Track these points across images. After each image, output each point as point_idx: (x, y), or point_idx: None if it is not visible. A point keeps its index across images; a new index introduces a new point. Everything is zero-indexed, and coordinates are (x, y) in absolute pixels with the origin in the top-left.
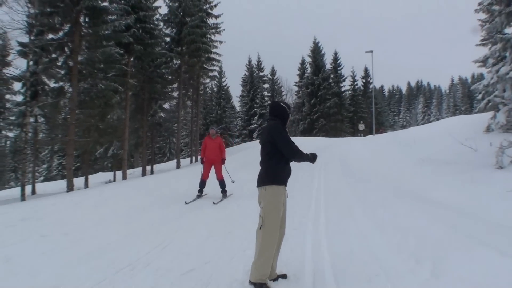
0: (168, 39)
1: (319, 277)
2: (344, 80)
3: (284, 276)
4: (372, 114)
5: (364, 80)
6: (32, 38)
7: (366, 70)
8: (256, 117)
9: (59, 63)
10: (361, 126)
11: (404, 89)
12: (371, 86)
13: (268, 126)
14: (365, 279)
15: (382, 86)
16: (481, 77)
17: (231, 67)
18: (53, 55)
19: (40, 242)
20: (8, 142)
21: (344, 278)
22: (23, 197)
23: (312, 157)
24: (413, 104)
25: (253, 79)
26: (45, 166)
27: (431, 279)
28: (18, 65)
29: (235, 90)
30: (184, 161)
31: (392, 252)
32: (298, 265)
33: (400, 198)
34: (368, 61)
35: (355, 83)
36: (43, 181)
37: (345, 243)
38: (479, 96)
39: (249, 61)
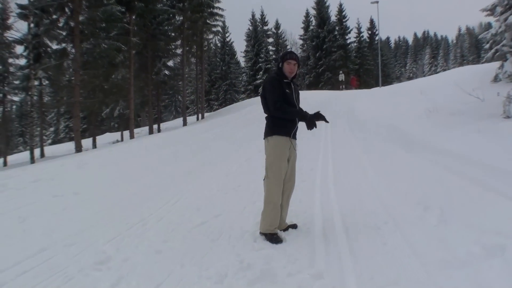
0: None
1: (328, 226)
2: (349, 32)
3: (294, 226)
4: (378, 66)
5: (369, 32)
6: (32, 0)
7: (371, 22)
8: (261, 72)
9: (60, 24)
10: (341, 77)
11: (410, 40)
12: (377, 38)
13: (264, 80)
14: (374, 227)
15: (388, 38)
16: (488, 26)
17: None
18: (54, 16)
19: (52, 202)
20: (14, 107)
21: (353, 226)
22: (32, 160)
23: (304, 117)
24: (420, 55)
25: (257, 33)
26: (52, 129)
27: (439, 225)
28: (19, 28)
29: (239, 45)
30: (190, 118)
31: (400, 201)
32: (308, 216)
33: (408, 148)
34: (373, 12)
35: (361, 35)
36: (51, 144)
37: (353, 193)
38: (487, 46)
39: (253, 15)
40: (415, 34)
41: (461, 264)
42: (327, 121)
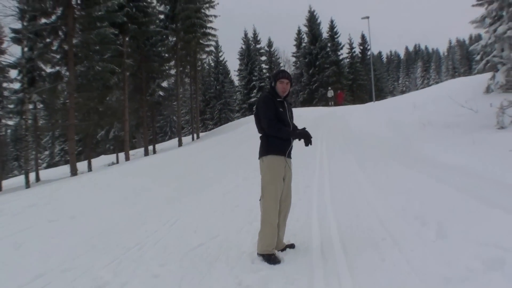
0: (162, 16)
1: (327, 244)
2: (341, 48)
3: (292, 246)
4: (371, 81)
5: (361, 47)
6: (25, 24)
7: (363, 37)
8: (255, 90)
9: (54, 48)
10: (330, 93)
11: (402, 54)
12: (369, 53)
13: (258, 99)
14: (372, 244)
15: (380, 52)
16: (479, 37)
17: (227, 41)
18: (48, 40)
19: (48, 227)
20: (9, 131)
21: (351, 244)
22: (27, 185)
23: (299, 135)
24: (412, 69)
25: (250, 52)
26: (47, 152)
27: (437, 240)
28: (13, 52)
29: (233, 64)
30: (186, 139)
31: (397, 216)
32: (305, 234)
33: (403, 162)
34: (364, 28)
35: (353, 50)
36: (46, 167)
37: (350, 209)
38: (478, 57)
39: (245, 34)
40: (406, 48)
41: (461, 280)
42: (309, 142)
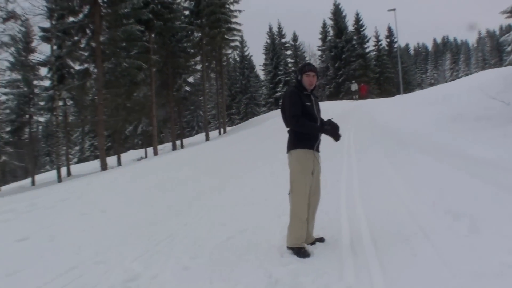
0: (187, 12)
1: (356, 238)
2: (367, 41)
3: (321, 240)
4: (399, 74)
5: (388, 40)
6: (54, 22)
7: (389, 29)
8: (281, 85)
9: (82, 45)
10: (353, 86)
11: (430, 46)
12: (395, 45)
13: (283, 93)
14: (403, 239)
15: (407, 45)
16: (509, 28)
17: (252, 36)
18: (76, 38)
19: (80, 220)
20: (40, 127)
21: (382, 238)
22: (59, 179)
23: (324, 131)
24: (440, 61)
25: (275, 46)
26: (77, 148)
27: (470, 235)
28: (43, 50)
29: (258, 58)
30: (213, 133)
31: (428, 210)
32: (334, 228)
33: (433, 156)
34: (391, 20)
35: (379, 43)
36: (77, 162)
37: (380, 203)
38: (509, 48)
39: (270, 29)
40: (434, 40)
41: (494, 275)
42: (337, 137)
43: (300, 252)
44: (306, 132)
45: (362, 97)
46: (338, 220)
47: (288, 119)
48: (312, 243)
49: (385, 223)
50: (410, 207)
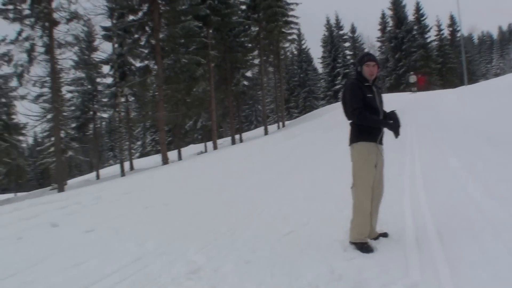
0: (244, 7)
1: (421, 233)
2: (429, 31)
3: (385, 235)
4: (462, 64)
5: (450, 29)
6: (114, 21)
7: (452, 18)
8: (339, 77)
9: (142, 43)
10: (412, 78)
11: (495, 35)
12: (458, 34)
13: (344, 85)
14: (471, 235)
15: (470, 33)
16: None
17: (309, 28)
18: (136, 36)
19: (143, 213)
20: (104, 123)
21: (448, 234)
22: (122, 173)
23: (386, 125)
24: (506, 50)
25: (333, 38)
26: (139, 142)
27: None
28: (105, 49)
29: (316, 51)
30: (271, 127)
31: (497, 205)
32: (398, 223)
33: (502, 148)
34: (453, 8)
35: (441, 32)
36: (139, 157)
37: (445, 197)
38: None
39: (328, 21)
40: (499, 28)
41: None
42: (398, 134)
43: (364, 247)
44: (366, 124)
45: (420, 88)
46: (401, 214)
47: (349, 112)
48: (376, 238)
49: (452, 219)
50: (478, 202)
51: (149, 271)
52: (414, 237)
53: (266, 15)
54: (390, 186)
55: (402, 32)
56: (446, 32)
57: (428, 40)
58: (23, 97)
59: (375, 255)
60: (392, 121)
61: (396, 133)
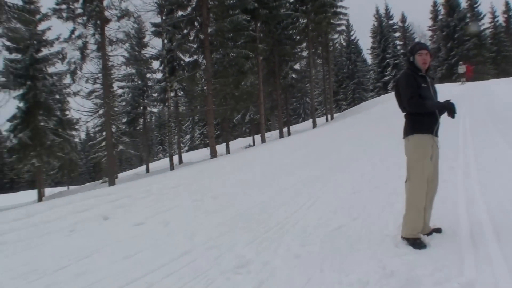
0: None
1: (476, 230)
2: (482, 18)
3: (438, 230)
4: None
5: (505, 15)
6: (164, 17)
7: (507, 4)
8: (389, 68)
9: (191, 38)
10: (461, 69)
11: None
12: None
13: (398, 77)
14: None
15: None
16: None
17: (358, 19)
18: (185, 31)
19: (192, 206)
20: (153, 117)
21: (505, 230)
22: (172, 167)
23: (444, 107)
24: None
25: (383, 29)
26: (188, 136)
27: None
28: (155, 44)
29: (365, 42)
30: (320, 120)
31: None
32: (452, 218)
33: None
34: None
35: (496, 19)
36: (188, 150)
37: (501, 192)
38: None
39: (377, 11)
40: None
41: None
42: (454, 113)
43: (416, 243)
44: (423, 111)
45: (468, 79)
46: (455, 209)
47: (404, 103)
48: (429, 234)
49: (509, 215)
50: None
51: (198, 265)
52: (468, 233)
53: (315, 6)
54: (443, 180)
55: (454, 20)
56: (501, 19)
57: (482, 28)
58: (76, 94)
59: (428, 251)
60: (446, 104)
61: (453, 114)
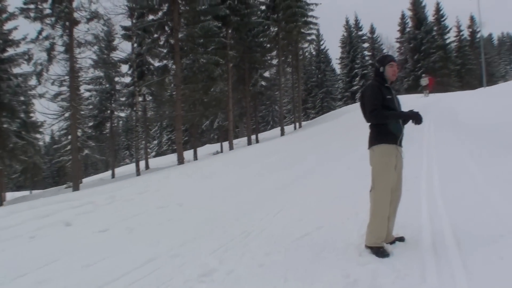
0: (263, 7)
1: (438, 238)
2: (448, 32)
3: (401, 239)
4: (481, 66)
5: (470, 30)
6: (134, 21)
7: (472, 19)
8: (357, 78)
9: (161, 42)
10: (424, 81)
11: None
12: (478, 36)
13: (364, 87)
14: (489, 240)
15: (490, 35)
16: None
17: (328, 29)
18: (155, 35)
19: (157, 213)
20: (121, 122)
21: (466, 239)
22: (138, 172)
23: (407, 116)
24: None
25: (352, 39)
26: (155, 142)
27: None
28: (124, 48)
29: (334, 52)
30: (288, 128)
31: None
32: (415, 227)
33: None
34: (473, 9)
35: (461, 33)
36: (155, 156)
37: (462, 202)
38: None
39: (347, 21)
40: None
41: None
42: (420, 120)
43: (379, 251)
44: (388, 121)
45: (430, 91)
46: (418, 218)
47: (368, 113)
48: (392, 243)
49: (469, 224)
50: (496, 208)
51: (161, 273)
52: (431, 241)
53: (286, 15)
54: (407, 189)
55: (422, 33)
56: (466, 33)
57: (448, 41)
58: (41, 96)
59: (391, 260)
60: (411, 112)
61: (418, 120)
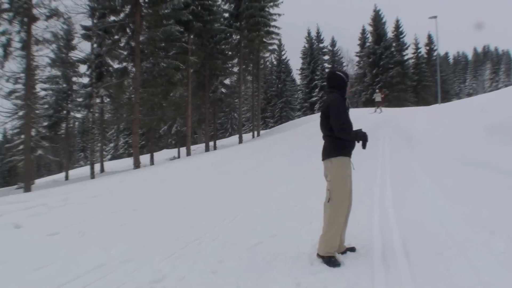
0: (226, 14)
1: (388, 249)
2: (407, 48)
3: (352, 249)
4: (437, 83)
5: (427, 48)
6: (95, 21)
7: (429, 37)
8: (317, 90)
9: (122, 44)
10: (378, 97)
11: (470, 55)
12: (435, 54)
13: (328, 99)
14: (437, 252)
15: (446, 53)
16: None
17: (290, 40)
18: (116, 37)
19: (110, 218)
20: (77, 123)
21: (414, 251)
22: (92, 175)
23: (359, 137)
24: (480, 71)
25: (313, 51)
26: (112, 145)
27: (508, 252)
28: (83, 48)
29: (295, 63)
30: (246, 136)
31: (463, 224)
32: (366, 238)
33: (471, 168)
34: (431, 28)
35: (418, 51)
36: (111, 159)
37: (413, 214)
38: None
39: (309, 33)
40: (474, 49)
41: None
42: (366, 144)
43: (331, 261)
44: (348, 139)
45: (381, 105)
46: (370, 230)
47: (336, 127)
48: (343, 252)
49: (418, 236)
50: (444, 220)
51: (113, 278)
52: (381, 252)
53: (249, 24)
54: (360, 200)
55: (381, 48)
56: (423, 50)
57: (406, 57)
58: None
59: (342, 270)
60: (363, 134)
61: (365, 144)
